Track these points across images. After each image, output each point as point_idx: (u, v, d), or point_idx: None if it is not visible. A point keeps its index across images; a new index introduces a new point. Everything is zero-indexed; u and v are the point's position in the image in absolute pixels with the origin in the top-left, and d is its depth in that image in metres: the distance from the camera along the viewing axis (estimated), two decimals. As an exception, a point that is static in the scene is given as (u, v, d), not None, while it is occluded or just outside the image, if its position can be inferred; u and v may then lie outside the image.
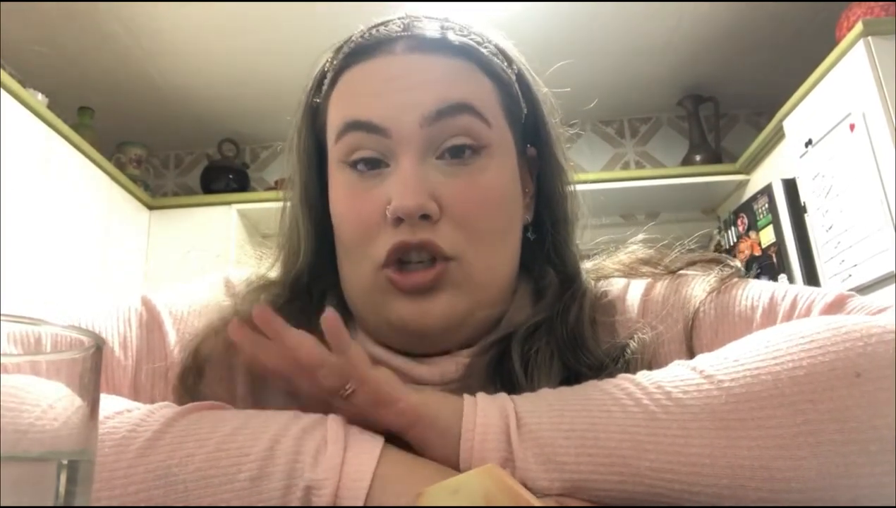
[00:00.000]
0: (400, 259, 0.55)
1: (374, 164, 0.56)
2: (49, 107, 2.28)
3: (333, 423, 0.44)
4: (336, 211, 0.59)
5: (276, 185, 3.00)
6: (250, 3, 2.32)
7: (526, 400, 0.46)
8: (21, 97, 2.10)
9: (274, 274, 0.65)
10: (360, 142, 0.56)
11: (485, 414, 0.44)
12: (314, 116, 0.63)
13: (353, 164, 0.57)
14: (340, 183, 0.58)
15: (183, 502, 0.41)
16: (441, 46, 0.59)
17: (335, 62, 0.60)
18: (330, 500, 0.40)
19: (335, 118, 0.59)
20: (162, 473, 0.42)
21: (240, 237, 2.79)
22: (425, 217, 0.54)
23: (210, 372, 0.58)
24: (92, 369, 0.31)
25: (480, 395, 0.47)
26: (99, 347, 0.31)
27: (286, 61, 2.63)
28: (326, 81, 0.61)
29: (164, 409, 0.46)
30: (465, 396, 0.47)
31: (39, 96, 2.29)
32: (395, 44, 0.58)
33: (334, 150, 0.58)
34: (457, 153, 0.56)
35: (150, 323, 0.61)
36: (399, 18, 0.60)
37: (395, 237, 0.54)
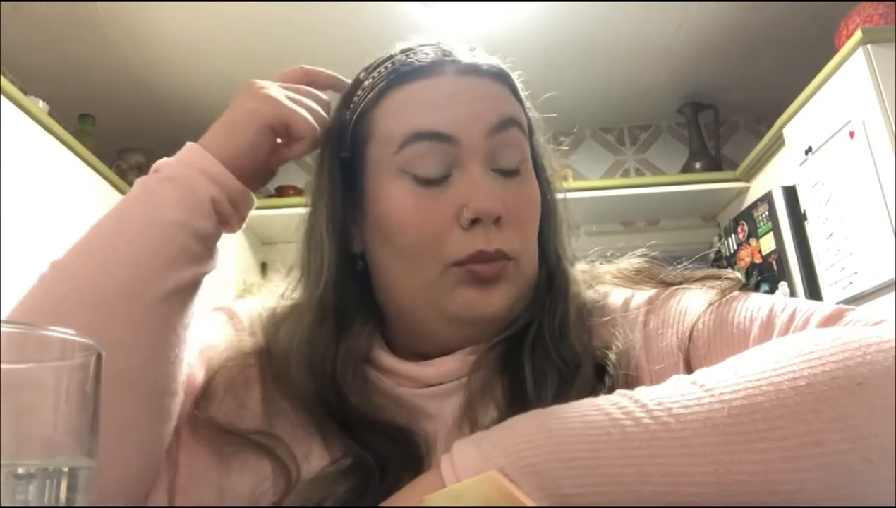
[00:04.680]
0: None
1: (437, 172, 0.60)
2: (50, 114, 2.29)
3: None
4: (395, 217, 0.61)
5: (277, 193, 3.00)
6: (250, 9, 2.33)
7: (519, 426, 0.45)
8: (22, 104, 2.10)
9: (295, 296, 0.68)
10: (426, 151, 0.60)
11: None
12: (344, 132, 0.66)
13: (415, 172, 0.60)
14: (400, 191, 0.61)
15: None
16: (482, 71, 0.64)
17: (376, 80, 0.64)
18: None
19: (394, 129, 0.61)
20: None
21: (240, 244, 2.79)
22: (497, 220, 0.59)
23: (225, 398, 0.62)
24: (93, 376, 0.31)
25: (458, 455, 0.45)
26: (100, 354, 0.31)
27: (286, 67, 2.64)
28: (367, 98, 0.64)
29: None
30: (443, 464, 0.45)
31: (40, 103, 2.30)
32: (444, 67, 0.63)
33: (394, 159, 0.61)
34: (507, 168, 0.62)
35: None
36: (430, 46, 0.65)
37: (472, 242, 0.59)
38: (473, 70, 0.63)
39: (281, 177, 3.36)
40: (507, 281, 0.61)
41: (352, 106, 0.65)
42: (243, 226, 0.65)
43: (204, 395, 0.61)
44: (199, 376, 0.63)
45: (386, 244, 0.62)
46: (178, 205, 0.57)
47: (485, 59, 0.65)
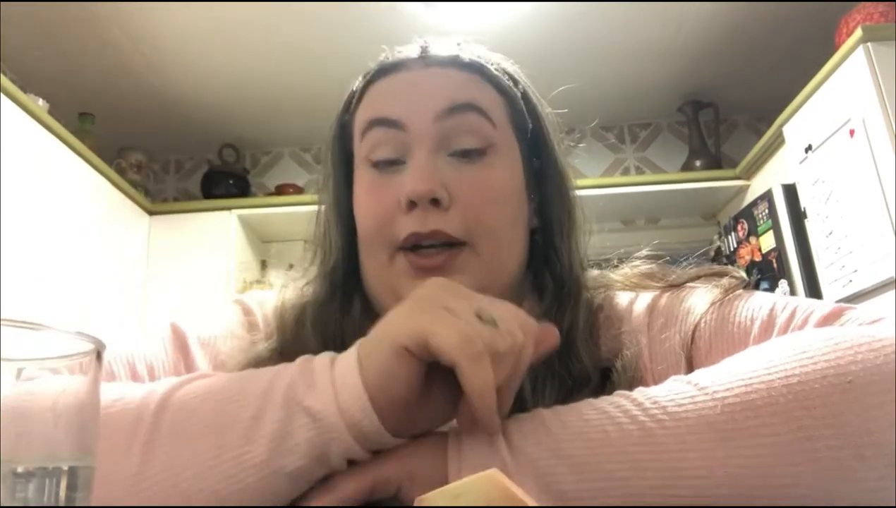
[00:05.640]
0: (415, 244, 0.60)
1: (393, 162, 0.62)
2: (49, 112, 2.28)
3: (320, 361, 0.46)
4: (358, 205, 0.65)
5: (277, 191, 3.00)
6: (250, 8, 2.32)
7: (521, 424, 0.45)
8: (22, 102, 2.10)
9: (310, 273, 0.71)
10: (381, 138, 0.63)
11: (471, 466, 0.43)
12: (344, 131, 0.70)
13: (375, 163, 0.63)
14: (363, 180, 0.64)
15: (199, 451, 0.43)
16: (453, 62, 0.66)
17: (361, 81, 0.68)
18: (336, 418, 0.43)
19: (360, 121, 0.66)
20: (175, 431, 0.43)
21: (240, 242, 2.79)
22: (436, 202, 0.59)
23: None
24: (93, 373, 0.31)
25: (467, 435, 0.45)
26: (99, 352, 0.31)
27: (286, 66, 2.64)
28: (354, 99, 0.68)
29: (170, 380, 0.48)
30: (450, 441, 0.45)
31: (40, 102, 2.30)
32: (413, 62, 0.66)
33: (359, 150, 0.65)
34: (466, 152, 0.62)
35: (182, 347, 0.65)
36: (416, 43, 0.68)
37: (409, 225, 0.59)
38: (440, 62, 0.66)
39: (281, 176, 3.33)
40: (457, 271, 0.59)
41: (347, 107, 0.69)
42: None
43: None
44: (202, 364, 0.64)
45: (359, 232, 0.66)
46: (268, 444, 0.43)
47: (465, 53, 0.66)
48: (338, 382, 0.44)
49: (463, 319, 0.43)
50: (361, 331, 0.63)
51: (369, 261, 0.64)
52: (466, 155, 0.62)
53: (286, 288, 0.71)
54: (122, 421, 0.44)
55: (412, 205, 0.59)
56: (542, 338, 0.48)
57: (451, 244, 0.60)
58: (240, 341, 0.66)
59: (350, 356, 0.45)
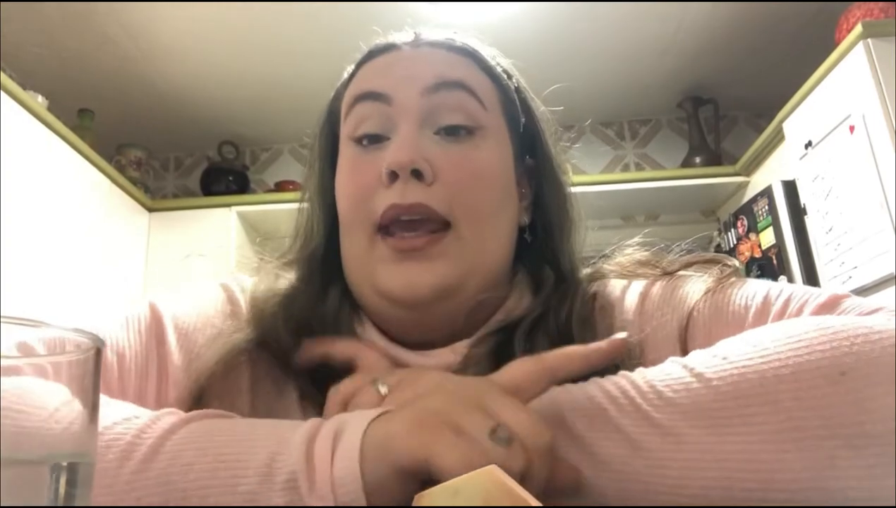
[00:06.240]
0: (395, 219, 0.57)
1: (377, 139, 0.61)
2: (49, 109, 2.28)
3: (322, 439, 0.43)
4: (339, 183, 0.63)
5: (277, 187, 3.00)
6: (250, 6, 2.32)
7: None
8: (21, 99, 2.10)
9: (287, 263, 0.69)
10: (366, 112, 0.61)
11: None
12: (332, 116, 0.68)
13: (359, 140, 0.62)
14: (346, 158, 0.63)
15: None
16: (444, 45, 0.65)
17: (352, 69, 0.67)
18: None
19: (347, 99, 0.64)
20: (163, 481, 0.42)
21: (239, 239, 2.79)
22: (418, 174, 0.57)
23: (213, 403, 0.58)
24: (92, 371, 0.31)
25: None
26: (99, 349, 0.31)
27: (286, 63, 2.64)
28: (343, 85, 0.68)
29: (169, 417, 0.46)
30: None
31: (39, 98, 2.29)
32: (404, 44, 0.65)
33: (344, 128, 0.63)
34: (452, 131, 0.60)
35: (158, 334, 0.62)
36: (410, 30, 0.67)
37: (388, 197, 0.57)
38: (431, 43, 0.65)
39: (280, 172, 3.32)
40: (443, 255, 0.57)
41: (337, 94, 0.68)
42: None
43: (196, 404, 0.58)
44: (176, 356, 0.61)
45: (339, 215, 0.63)
46: None
47: (459, 39, 0.66)
48: (338, 485, 0.41)
49: (469, 439, 0.40)
50: (335, 322, 0.62)
51: (349, 244, 0.62)
52: (452, 132, 0.60)
53: (261, 272, 0.68)
54: (108, 454, 0.43)
55: (393, 176, 0.57)
56: (562, 474, 0.44)
57: (433, 230, 0.57)
58: (218, 331, 0.63)
59: (353, 451, 0.41)
